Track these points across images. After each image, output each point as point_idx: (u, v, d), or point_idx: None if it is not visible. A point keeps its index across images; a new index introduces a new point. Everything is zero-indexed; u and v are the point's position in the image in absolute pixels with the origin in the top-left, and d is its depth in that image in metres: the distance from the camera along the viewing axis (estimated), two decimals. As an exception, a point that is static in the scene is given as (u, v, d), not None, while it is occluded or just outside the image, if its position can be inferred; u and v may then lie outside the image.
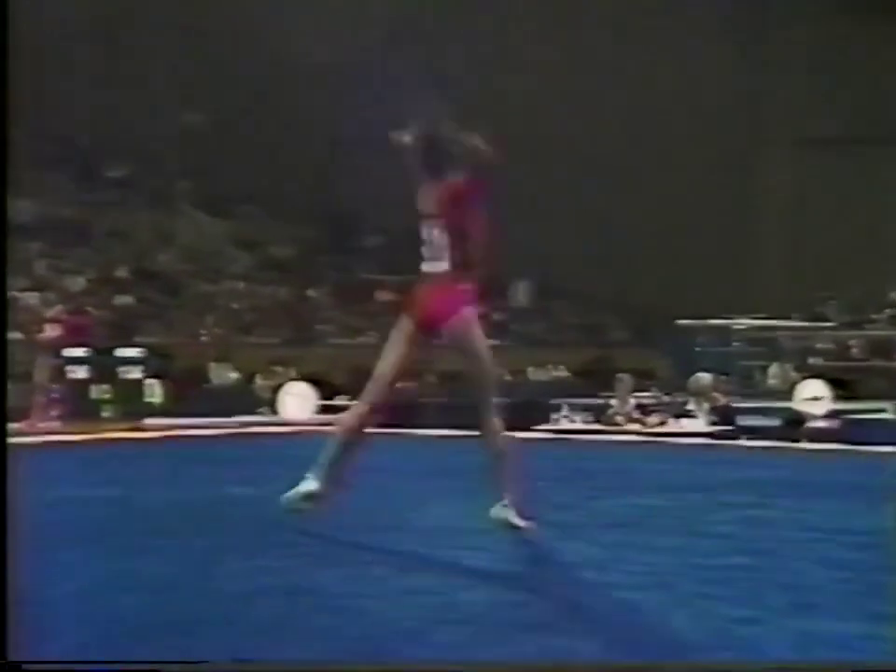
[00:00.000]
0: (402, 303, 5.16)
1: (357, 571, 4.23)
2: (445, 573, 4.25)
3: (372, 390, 5.03)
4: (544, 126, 25.39)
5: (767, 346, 19.47)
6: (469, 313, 5.03)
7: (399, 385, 5.09)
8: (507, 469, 4.98)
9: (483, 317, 5.18)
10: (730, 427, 11.41)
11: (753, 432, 11.31)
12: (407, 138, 5.05)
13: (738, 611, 3.59)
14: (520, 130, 25.61)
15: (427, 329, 5.00)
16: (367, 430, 5.10)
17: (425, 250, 5.02)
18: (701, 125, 25.65)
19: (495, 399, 5.01)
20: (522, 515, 4.93)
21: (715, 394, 12.03)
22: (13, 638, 2.88)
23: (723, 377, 15.50)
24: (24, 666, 2.86)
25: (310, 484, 5.07)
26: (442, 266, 4.97)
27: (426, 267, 5.03)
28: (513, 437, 5.14)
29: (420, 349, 5.04)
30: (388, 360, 5.01)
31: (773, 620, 3.51)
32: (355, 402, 5.24)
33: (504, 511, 4.93)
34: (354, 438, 5.08)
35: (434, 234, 4.99)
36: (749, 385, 18.39)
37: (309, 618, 3.51)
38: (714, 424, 11.42)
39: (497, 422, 4.99)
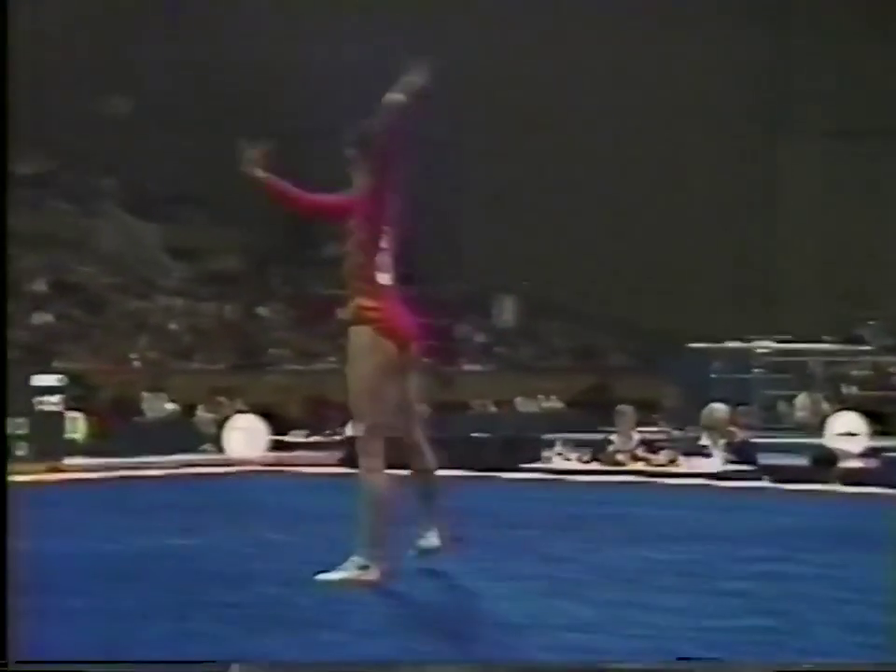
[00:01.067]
0: (369, 320, 5.21)
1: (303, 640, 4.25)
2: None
3: (377, 429, 5.14)
4: (542, 129, 25.72)
5: (794, 373, 19.61)
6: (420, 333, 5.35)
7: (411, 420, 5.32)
8: (437, 494, 5.35)
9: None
10: (750, 467, 11.48)
11: (777, 472, 11.37)
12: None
13: (754, 681, 3.63)
14: (516, 130, 26.06)
15: (408, 350, 5.25)
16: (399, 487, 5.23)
17: (381, 258, 5.24)
18: (714, 126, 26.01)
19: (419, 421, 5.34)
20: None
21: (732, 428, 12.09)
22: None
23: (742, 408, 15.59)
24: (24, 667, 2.90)
25: (370, 575, 5.04)
26: (390, 278, 5.25)
27: (386, 279, 5.24)
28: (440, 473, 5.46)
29: (407, 378, 5.27)
30: (385, 406, 5.16)
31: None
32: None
33: (434, 540, 5.34)
34: (392, 500, 5.16)
35: (392, 244, 5.28)
36: (773, 417, 18.53)
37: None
38: (731, 462, 11.48)
39: (426, 443, 5.34)
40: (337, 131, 5.49)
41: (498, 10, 25.74)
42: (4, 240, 3.46)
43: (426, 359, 5.49)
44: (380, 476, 5.13)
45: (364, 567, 5.05)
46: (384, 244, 5.24)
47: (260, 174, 5.42)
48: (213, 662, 3.18)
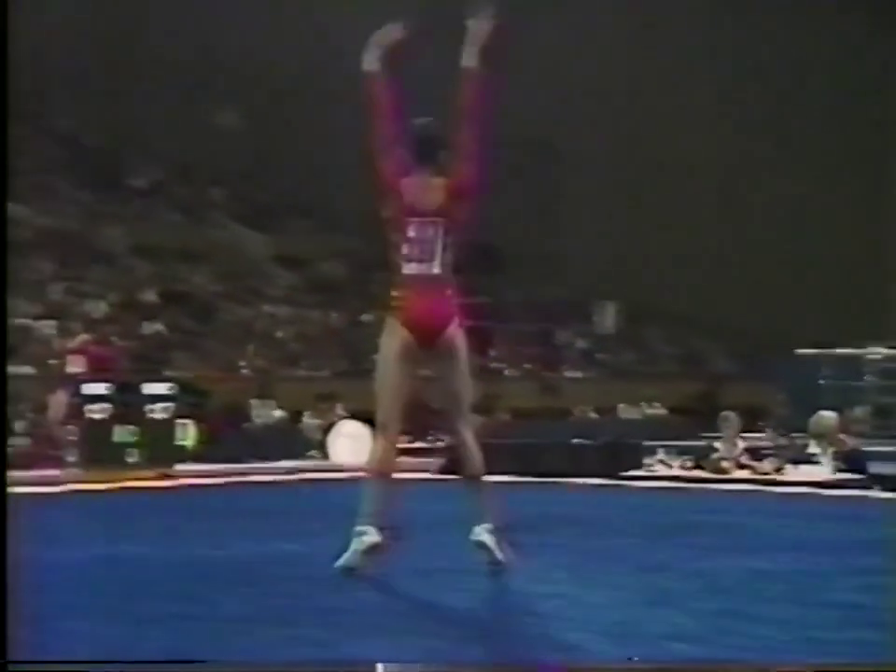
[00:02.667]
0: (390, 309, 5.39)
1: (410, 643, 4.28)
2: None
3: (387, 424, 5.37)
4: (646, 132, 25.59)
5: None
6: (460, 324, 5.36)
7: (410, 407, 5.48)
8: (485, 492, 5.36)
9: (470, 328, 5.47)
10: (860, 476, 11.25)
11: (888, 481, 11.13)
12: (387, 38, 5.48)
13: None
14: (610, 139, 25.95)
15: (426, 341, 5.30)
16: (396, 469, 5.44)
17: (408, 249, 5.32)
18: (828, 127, 25.59)
19: (470, 419, 5.39)
20: (503, 549, 5.32)
21: (842, 436, 11.86)
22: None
23: (853, 416, 15.28)
24: (23, 667, 2.96)
25: (370, 537, 5.32)
26: (432, 269, 5.30)
27: (411, 269, 5.32)
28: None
29: (417, 364, 5.37)
30: (393, 384, 5.34)
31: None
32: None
33: (485, 535, 5.31)
34: (388, 480, 5.39)
35: (427, 233, 5.30)
36: (885, 425, 18.10)
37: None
38: (840, 471, 11.27)
39: (473, 442, 5.36)
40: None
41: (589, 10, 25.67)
42: (4, 240, 3.55)
43: (456, 347, 5.36)
44: (379, 465, 5.38)
45: (362, 534, 5.35)
46: (411, 233, 5.32)
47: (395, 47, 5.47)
48: (213, 662, 3.22)
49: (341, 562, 5.39)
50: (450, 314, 5.32)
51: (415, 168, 5.42)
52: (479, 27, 5.34)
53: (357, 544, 5.37)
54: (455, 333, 5.34)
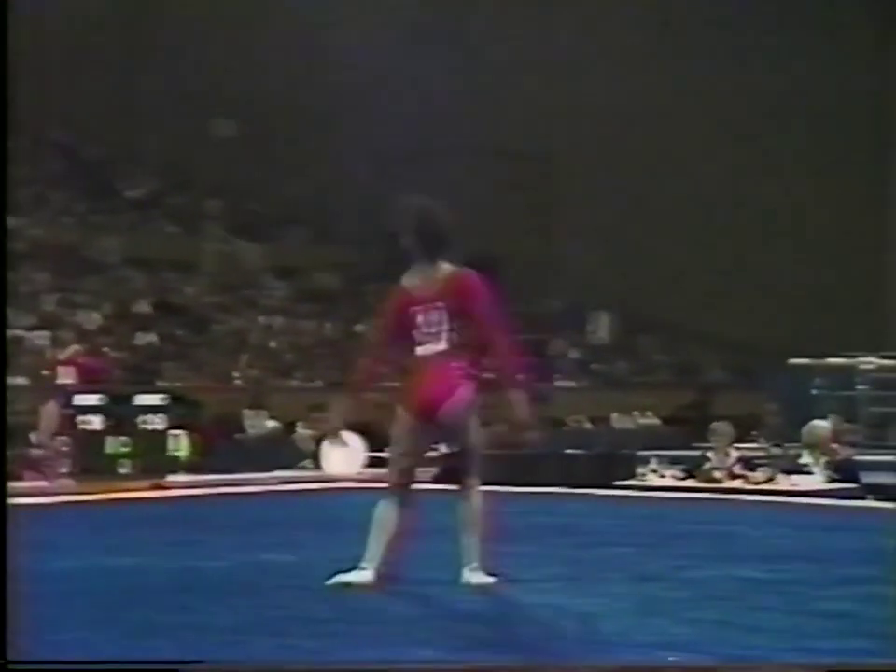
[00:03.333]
0: (397, 394, 5.69)
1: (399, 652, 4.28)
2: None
3: (402, 483, 5.65)
4: (633, 141, 25.67)
5: (900, 390, 19.16)
6: (464, 391, 5.54)
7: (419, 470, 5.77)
8: (476, 533, 5.56)
9: (480, 393, 5.65)
10: (853, 485, 11.25)
11: (881, 491, 11.14)
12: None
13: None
14: (605, 149, 26.04)
15: (426, 417, 5.54)
16: (405, 522, 5.68)
17: (417, 335, 5.57)
18: (824, 137, 25.68)
19: (478, 469, 5.61)
20: (488, 571, 5.54)
21: (834, 445, 11.87)
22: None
23: (845, 426, 15.30)
24: (23, 667, 2.96)
25: (366, 576, 5.56)
26: (438, 347, 5.55)
27: (419, 351, 5.57)
28: (487, 498, 5.69)
29: (426, 437, 5.66)
30: (401, 455, 5.64)
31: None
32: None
33: (474, 576, 5.52)
34: (398, 529, 5.66)
35: (431, 319, 5.54)
36: (878, 435, 18.11)
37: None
38: (833, 481, 11.27)
39: (476, 487, 5.60)
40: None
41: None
42: (4, 240, 3.55)
43: (460, 416, 5.55)
44: (389, 507, 5.66)
45: (361, 570, 5.56)
46: (419, 320, 5.54)
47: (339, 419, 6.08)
48: (213, 662, 3.23)
49: (333, 580, 5.57)
50: (450, 386, 5.51)
51: (416, 259, 5.60)
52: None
53: (354, 576, 5.55)
54: (455, 405, 5.50)
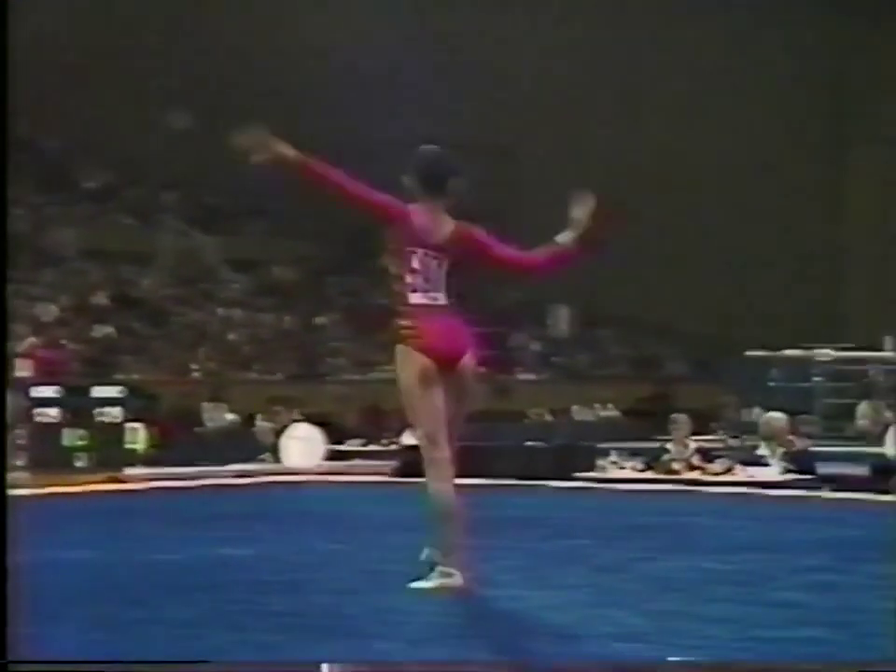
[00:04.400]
0: (400, 337, 5.33)
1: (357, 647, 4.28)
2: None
3: (438, 441, 5.22)
4: (589, 140, 25.74)
5: (855, 381, 19.35)
6: (474, 355, 5.38)
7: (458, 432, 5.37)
8: (449, 526, 5.20)
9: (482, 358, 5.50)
10: (808, 476, 11.36)
11: (837, 482, 11.25)
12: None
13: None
14: (564, 141, 26.11)
15: (446, 366, 5.28)
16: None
17: (412, 279, 5.30)
18: (779, 130, 25.84)
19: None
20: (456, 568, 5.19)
21: (791, 437, 11.98)
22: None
23: (801, 417, 15.43)
24: (22, 667, 2.95)
25: (455, 580, 5.15)
26: (438, 300, 5.33)
27: (417, 299, 5.31)
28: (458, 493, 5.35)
29: (447, 390, 5.29)
30: (430, 406, 5.24)
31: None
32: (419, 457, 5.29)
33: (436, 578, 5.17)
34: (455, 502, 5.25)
35: (431, 265, 5.33)
36: (833, 427, 18.28)
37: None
38: (789, 472, 11.38)
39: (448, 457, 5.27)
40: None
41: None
42: (4, 241, 3.52)
43: (472, 375, 5.41)
44: (444, 485, 5.22)
45: (449, 575, 5.16)
46: (415, 264, 5.32)
47: (290, 153, 5.28)
48: (213, 662, 3.22)
49: (418, 585, 5.18)
50: (466, 342, 5.36)
51: (422, 198, 5.38)
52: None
53: (439, 579, 5.15)
54: (472, 362, 5.36)
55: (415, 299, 5.33)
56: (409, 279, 5.32)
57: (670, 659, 3.60)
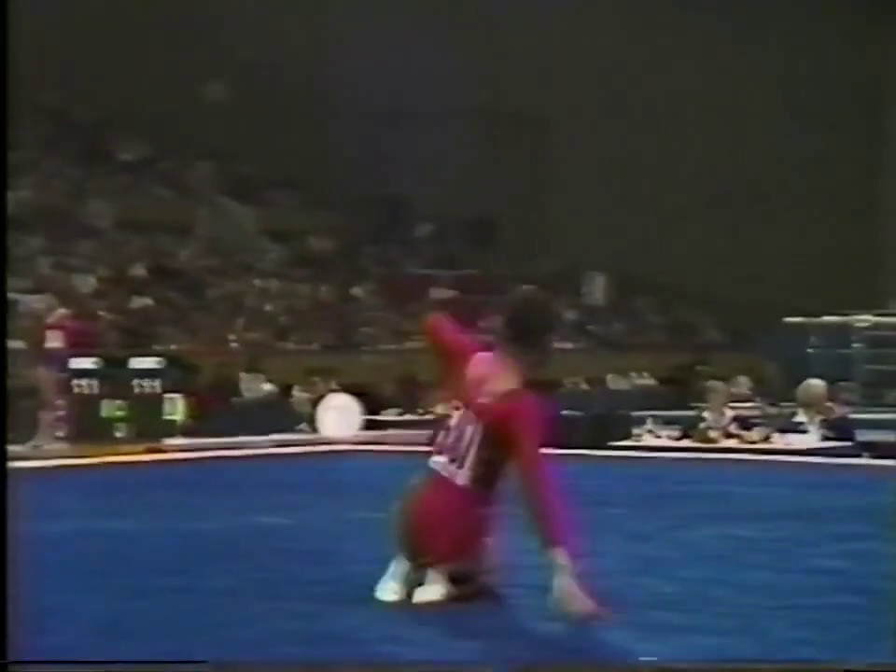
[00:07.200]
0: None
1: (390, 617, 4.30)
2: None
3: None
4: (627, 109, 25.62)
5: (895, 348, 19.19)
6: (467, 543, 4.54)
7: None
8: None
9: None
10: (848, 443, 11.28)
11: (876, 449, 11.17)
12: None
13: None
14: (600, 111, 25.98)
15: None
16: None
17: (441, 437, 4.44)
18: (816, 95, 25.62)
19: None
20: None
21: (830, 404, 11.89)
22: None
23: (840, 384, 15.32)
24: (22, 667, 2.98)
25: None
26: (456, 475, 4.41)
27: (435, 461, 4.45)
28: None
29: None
30: None
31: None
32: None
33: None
34: None
35: (463, 429, 4.39)
36: (873, 393, 18.15)
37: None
38: (828, 439, 11.30)
39: None
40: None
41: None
42: (4, 236, 3.54)
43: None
44: None
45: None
46: (452, 420, 4.46)
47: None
48: (213, 662, 3.23)
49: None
50: (451, 538, 4.37)
51: (495, 345, 4.44)
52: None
53: None
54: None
55: (434, 460, 4.45)
56: (439, 436, 4.45)
57: (670, 659, 3.58)
